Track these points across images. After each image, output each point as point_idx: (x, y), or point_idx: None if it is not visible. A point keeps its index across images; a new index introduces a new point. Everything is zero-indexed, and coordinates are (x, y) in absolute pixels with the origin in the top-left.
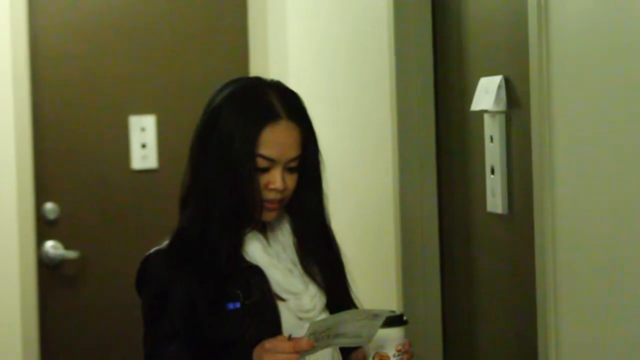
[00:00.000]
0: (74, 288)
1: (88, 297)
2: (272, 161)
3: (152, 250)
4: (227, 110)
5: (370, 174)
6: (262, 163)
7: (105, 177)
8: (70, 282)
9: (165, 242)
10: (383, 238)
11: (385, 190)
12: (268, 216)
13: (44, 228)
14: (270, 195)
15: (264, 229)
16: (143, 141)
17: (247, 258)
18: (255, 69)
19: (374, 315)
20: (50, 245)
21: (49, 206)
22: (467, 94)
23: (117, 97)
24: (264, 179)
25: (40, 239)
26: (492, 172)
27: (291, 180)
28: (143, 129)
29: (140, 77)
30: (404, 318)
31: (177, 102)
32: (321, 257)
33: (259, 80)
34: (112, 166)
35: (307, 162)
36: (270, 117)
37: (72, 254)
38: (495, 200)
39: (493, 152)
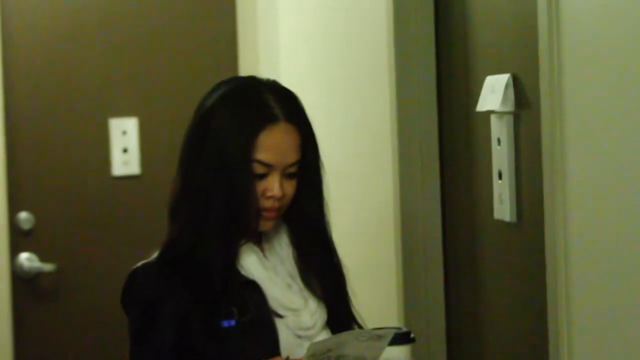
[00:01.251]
0: (50, 303)
1: (65, 312)
2: (270, 167)
3: (140, 263)
4: (220, 112)
5: (368, 180)
6: (258, 169)
7: (84, 184)
8: (46, 297)
9: (154, 255)
10: (382, 248)
11: (384, 197)
12: (265, 226)
13: (18, 239)
14: (268, 204)
15: (260, 240)
16: (124, 145)
17: (243, 272)
18: (245, 67)
19: (378, 336)
20: (24, 257)
21: (23, 216)
22: (473, 93)
23: (96, 98)
24: (260, 185)
25: (14, 250)
26: (500, 177)
27: (290, 187)
28: (124, 133)
29: (120, 76)
30: (411, 336)
31: (161, 103)
32: (321, 270)
33: (254, 80)
34: (91, 172)
35: (307, 167)
36: (267, 119)
37: (48, 267)
38: (503, 207)
39: (500, 156)
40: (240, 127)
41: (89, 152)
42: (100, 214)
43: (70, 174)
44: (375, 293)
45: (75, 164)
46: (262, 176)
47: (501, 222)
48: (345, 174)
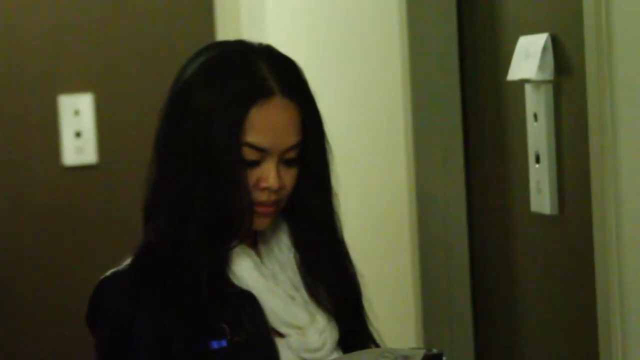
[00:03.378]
0: None
1: (9, 331)
2: (264, 151)
3: (109, 272)
4: (202, 85)
5: (377, 164)
6: (250, 154)
7: (28, 177)
8: None
9: (126, 262)
10: (395, 248)
11: (397, 187)
12: (260, 224)
13: None
14: (263, 197)
15: (255, 243)
16: (77, 128)
17: (235, 281)
18: (225, 32)
19: (404, 356)
20: None
21: None
22: (503, 58)
23: (42, 70)
24: (253, 175)
25: None
26: (537, 160)
27: (289, 176)
28: (77, 113)
29: (71, 42)
30: (444, 359)
31: (123, 75)
32: (331, 278)
33: (242, 45)
34: (37, 162)
35: (310, 152)
36: (259, 93)
37: None
38: (541, 197)
39: (538, 135)
40: (227, 104)
41: (32, 137)
42: (49, 212)
43: (11, 163)
44: (386, 304)
45: (17, 151)
46: (255, 163)
47: (539, 216)
48: (346, 158)
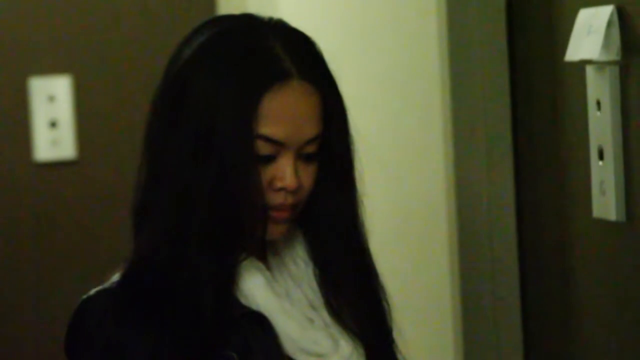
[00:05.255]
0: None
1: None
2: (280, 145)
3: (93, 291)
4: (204, 68)
5: (409, 161)
6: (264, 149)
7: None
8: None
9: (113, 279)
10: (432, 261)
11: (432, 189)
12: (275, 232)
13: None
14: (278, 199)
15: (264, 254)
16: (52, 117)
17: (243, 301)
18: (227, 6)
19: None
20: None
21: None
22: (560, 35)
23: (9, 47)
24: (267, 173)
25: None
26: (601, 156)
27: (308, 175)
28: (52, 99)
29: (45, 14)
30: None
31: (107, 54)
32: (356, 297)
33: (251, 20)
34: (5, 156)
35: (332, 146)
36: (274, 76)
37: None
38: (605, 200)
39: (601, 126)
40: (236, 89)
41: (0, 127)
42: (19, 214)
43: None
44: (419, 329)
45: None
46: (269, 159)
47: (602, 222)
48: (375, 154)
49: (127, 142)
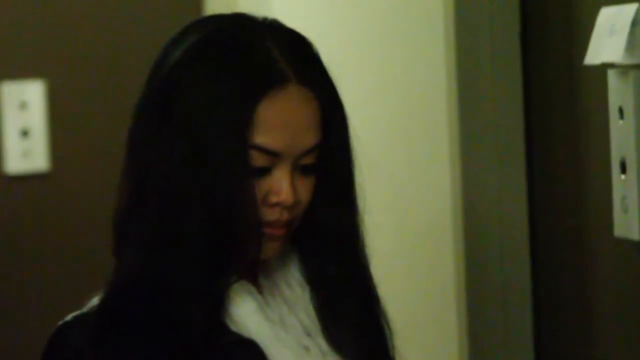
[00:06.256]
0: None
1: None
2: (275, 156)
3: (69, 317)
4: (193, 72)
5: (413, 172)
6: (259, 160)
7: None
8: None
9: (91, 303)
10: (437, 282)
11: (439, 202)
12: (269, 250)
13: None
14: (273, 215)
15: (254, 276)
16: (24, 125)
17: (233, 327)
18: (215, 6)
19: None
20: None
21: None
22: (579, 36)
23: None
24: (262, 187)
25: None
26: (623, 169)
27: (305, 188)
28: (24, 105)
29: (18, 15)
30: None
31: (83, 57)
32: (355, 323)
33: (244, 20)
34: None
35: (331, 157)
36: (270, 80)
37: None
38: (628, 217)
39: (624, 136)
40: (228, 95)
41: None
42: None
43: None
44: (423, 357)
45: None
46: (263, 171)
47: (625, 242)
48: (377, 164)
49: (105, 153)
